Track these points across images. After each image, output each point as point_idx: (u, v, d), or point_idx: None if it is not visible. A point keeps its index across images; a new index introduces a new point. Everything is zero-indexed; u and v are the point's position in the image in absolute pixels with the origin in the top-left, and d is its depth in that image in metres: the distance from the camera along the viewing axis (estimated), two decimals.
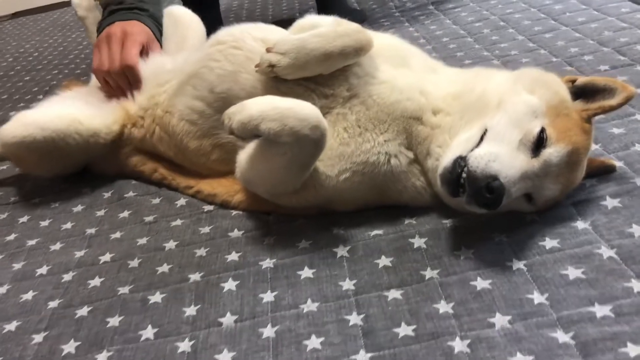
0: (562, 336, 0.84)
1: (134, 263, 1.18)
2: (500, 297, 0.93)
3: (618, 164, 1.17)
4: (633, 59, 1.57)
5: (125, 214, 1.37)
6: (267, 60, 1.13)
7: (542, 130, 1.01)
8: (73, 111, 1.41)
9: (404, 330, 0.91)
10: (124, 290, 1.11)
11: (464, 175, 0.98)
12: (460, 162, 0.99)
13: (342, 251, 1.10)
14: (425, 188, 1.14)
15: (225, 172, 1.29)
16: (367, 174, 1.12)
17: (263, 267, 1.10)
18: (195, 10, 1.75)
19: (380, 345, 0.89)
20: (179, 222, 1.29)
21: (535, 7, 2.10)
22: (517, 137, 1.01)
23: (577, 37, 1.78)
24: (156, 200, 1.39)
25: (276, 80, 1.16)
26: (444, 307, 0.93)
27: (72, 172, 1.53)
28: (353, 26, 1.14)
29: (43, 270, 1.21)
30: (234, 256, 1.14)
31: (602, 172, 1.14)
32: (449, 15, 2.23)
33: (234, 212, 1.29)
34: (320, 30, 1.12)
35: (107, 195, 1.47)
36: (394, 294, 0.98)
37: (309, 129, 1.02)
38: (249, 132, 1.06)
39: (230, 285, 1.07)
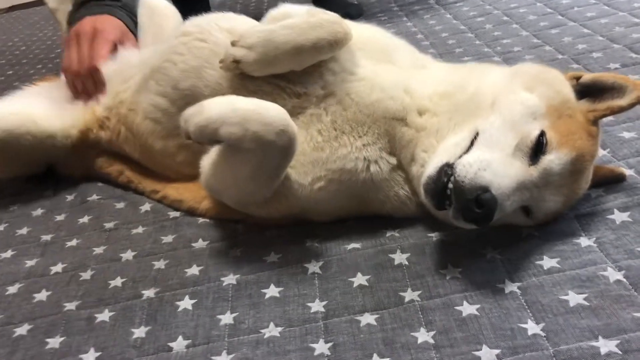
0: None
1: (86, 275, 1.07)
2: (488, 326, 0.80)
3: (628, 172, 1.04)
4: None
5: (86, 219, 1.25)
6: (231, 55, 1.00)
7: (542, 134, 0.88)
8: (30, 109, 1.29)
9: None
10: (70, 306, 0.99)
11: (450, 185, 0.85)
12: (446, 170, 0.87)
13: (314, 267, 0.98)
14: (409, 197, 1.02)
15: (193, 175, 1.16)
16: (344, 182, 1.00)
17: (225, 283, 0.98)
18: (184, 3, 1.62)
19: None
20: (140, 229, 1.17)
21: (542, 2, 1.97)
22: (512, 141, 0.88)
23: (585, 33, 1.65)
24: (120, 205, 1.28)
25: (243, 78, 1.04)
26: (423, 336, 0.81)
27: (33, 172, 1.41)
28: (328, 16, 1.01)
29: None
30: (194, 270, 1.02)
31: (610, 182, 1.02)
32: (450, 10, 2.11)
33: (201, 220, 1.17)
34: (291, 21, 1.00)
35: (69, 198, 1.35)
36: (367, 318, 0.86)
37: (275, 134, 0.90)
38: (207, 136, 0.94)
39: (186, 303, 0.95)
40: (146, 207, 1.25)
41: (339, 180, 1.00)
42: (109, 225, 1.21)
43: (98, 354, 0.89)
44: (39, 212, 1.32)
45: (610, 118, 1.21)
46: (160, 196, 1.24)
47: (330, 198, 1.01)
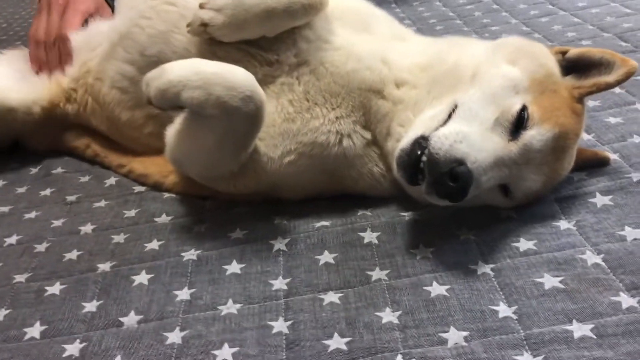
0: None
1: (41, 247, 1.01)
2: (457, 307, 0.75)
3: (613, 156, 0.99)
4: (636, 45, 1.40)
5: (48, 191, 1.19)
6: (199, 18, 0.94)
7: (523, 109, 0.83)
8: None
9: (336, 342, 0.73)
10: (20, 278, 0.94)
11: (424, 158, 0.80)
12: (421, 142, 0.82)
13: (279, 244, 0.93)
14: (384, 175, 0.97)
15: (161, 149, 1.10)
16: (315, 156, 0.95)
17: (185, 258, 0.93)
18: None
19: None
20: (103, 203, 1.12)
21: None
22: (492, 115, 0.83)
23: (575, 22, 1.61)
24: (85, 179, 1.22)
25: (212, 43, 0.98)
26: (388, 316, 0.76)
27: None
28: None
29: None
30: (154, 245, 0.97)
31: (593, 165, 0.97)
32: None
33: (167, 195, 1.11)
34: None
35: (34, 171, 1.29)
36: (331, 297, 0.81)
37: (240, 100, 0.84)
38: (168, 101, 0.89)
39: (142, 278, 0.90)
40: (111, 181, 1.19)
41: (309, 155, 0.94)
42: (71, 198, 1.15)
43: (44, 327, 0.83)
44: (0, 184, 1.26)
45: (596, 102, 1.17)
46: (126, 170, 1.18)
47: (300, 173, 0.96)
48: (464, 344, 0.70)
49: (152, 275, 0.90)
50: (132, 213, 1.07)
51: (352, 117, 0.95)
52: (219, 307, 0.82)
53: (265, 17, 0.93)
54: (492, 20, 1.75)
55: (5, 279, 0.94)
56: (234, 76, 0.85)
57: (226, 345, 0.75)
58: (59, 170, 1.27)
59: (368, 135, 0.96)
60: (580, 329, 0.69)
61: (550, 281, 0.77)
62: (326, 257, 0.88)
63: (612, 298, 0.73)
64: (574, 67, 0.91)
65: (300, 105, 0.95)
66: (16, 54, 1.41)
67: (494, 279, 0.79)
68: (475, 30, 1.69)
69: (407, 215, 0.94)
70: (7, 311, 0.87)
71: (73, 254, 0.98)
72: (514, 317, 0.73)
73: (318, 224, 0.96)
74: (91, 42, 1.23)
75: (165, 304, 0.84)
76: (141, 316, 0.83)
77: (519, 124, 0.83)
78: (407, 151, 0.82)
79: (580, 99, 0.88)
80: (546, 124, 0.83)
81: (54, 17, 1.32)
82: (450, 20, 1.82)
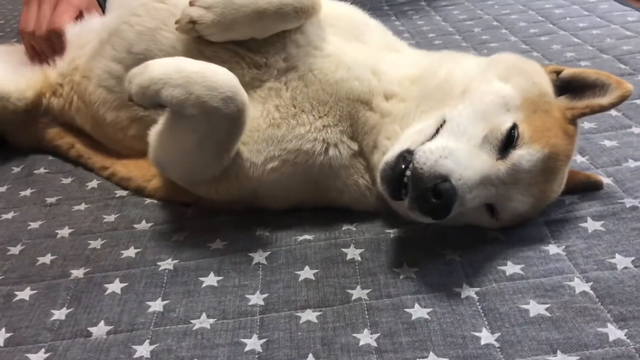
0: None
1: (15, 250, 0.98)
2: (438, 332, 0.72)
3: (606, 180, 0.97)
4: (635, 68, 1.38)
5: (28, 192, 1.16)
6: (187, 15, 0.92)
7: (514, 127, 0.81)
8: None
9: None
10: None
11: (408, 172, 0.78)
12: (406, 156, 0.79)
13: (259, 257, 0.90)
14: (369, 188, 0.94)
15: (145, 152, 1.08)
16: (299, 164, 0.92)
17: (161, 268, 0.89)
18: None
19: None
20: (82, 206, 1.09)
21: (534, 10, 1.91)
22: (481, 132, 0.81)
23: (575, 42, 1.59)
24: (67, 180, 1.19)
25: (200, 42, 0.96)
26: (366, 338, 0.73)
27: None
28: None
29: None
30: (131, 252, 0.94)
31: (586, 188, 0.95)
32: (440, 12, 2.04)
33: (148, 201, 1.08)
34: None
35: (16, 170, 1.26)
36: (308, 315, 0.78)
37: (221, 101, 0.82)
38: (149, 99, 0.86)
39: (115, 287, 0.87)
40: (93, 183, 1.16)
41: (294, 162, 0.92)
42: (50, 200, 1.12)
43: (9, 334, 0.80)
44: None
45: (592, 125, 1.14)
46: (109, 173, 1.16)
47: (283, 181, 0.93)
48: None
49: (126, 284, 0.87)
50: (111, 218, 1.04)
51: (340, 126, 0.93)
52: (192, 321, 0.79)
53: (255, 17, 0.91)
54: (491, 36, 1.73)
55: None
56: (216, 76, 0.83)
57: None
58: (42, 170, 1.24)
59: (355, 146, 0.94)
60: None
61: (535, 308, 0.74)
62: (306, 273, 0.85)
63: (599, 329, 0.70)
64: (568, 87, 0.88)
65: (287, 111, 0.92)
66: (10, 49, 1.39)
67: (478, 304, 0.76)
68: (473, 46, 1.67)
69: (392, 232, 0.92)
70: None
71: (47, 258, 0.95)
72: (497, 344, 0.70)
73: (301, 238, 0.93)
74: (81, 39, 1.20)
75: (136, 315, 0.81)
76: (111, 327, 0.79)
77: (508, 142, 0.80)
78: (391, 165, 0.80)
79: (573, 120, 0.85)
80: (536, 144, 0.80)
81: (45, 9, 1.30)
82: (450, 35, 1.80)
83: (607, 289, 0.75)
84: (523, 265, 0.81)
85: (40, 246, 0.98)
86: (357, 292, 0.81)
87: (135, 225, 1.01)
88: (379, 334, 0.73)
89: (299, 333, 0.75)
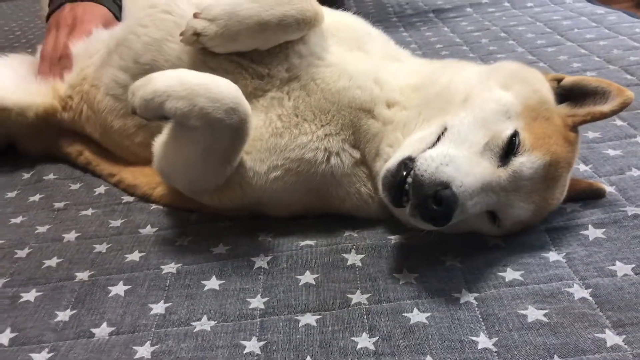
0: None
1: (22, 253, 1.00)
2: (436, 336, 0.73)
3: (609, 189, 0.97)
4: None
5: (37, 197, 1.18)
6: (192, 27, 0.93)
7: (515, 134, 0.81)
8: None
9: None
10: None
11: (409, 180, 0.78)
12: (407, 163, 0.80)
13: (261, 261, 0.90)
14: (371, 196, 0.95)
15: (151, 159, 1.09)
16: (302, 173, 0.93)
17: (164, 272, 0.91)
18: None
19: None
20: (89, 212, 1.10)
21: (542, 22, 1.91)
22: (482, 140, 0.81)
23: (582, 53, 1.59)
24: (75, 186, 1.21)
25: (204, 53, 0.97)
26: (364, 341, 0.73)
27: None
28: None
29: None
30: (135, 256, 0.95)
31: (588, 197, 0.95)
32: (448, 24, 2.05)
33: (154, 207, 1.10)
34: None
35: (26, 176, 1.28)
36: (308, 318, 0.78)
37: (224, 112, 0.83)
38: (152, 111, 0.87)
39: (119, 289, 0.88)
40: (101, 189, 1.18)
41: (296, 171, 0.93)
42: (58, 205, 1.14)
43: (14, 334, 0.81)
44: None
45: (596, 134, 1.14)
46: (116, 180, 1.17)
47: (286, 190, 0.94)
48: None
49: (130, 286, 0.88)
50: (117, 223, 1.06)
51: (342, 135, 0.94)
52: (193, 323, 0.80)
53: (258, 29, 0.92)
54: (498, 47, 1.73)
55: None
56: (218, 87, 0.84)
57: None
58: (51, 176, 1.26)
59: (357, 155, 0.95)
60: None
61: (534, 314, 0.74)
62: (307, 278, 0.86)
63: (597, 335, 0.70)
64: (569, 95, 0.89)
65: (289, 120, 0.94)
66: (22, 58, 1.41)
67: (476, 309, 0.77)
68: (480, 57, 1.68)
69: (393, 238, 0.92)
70: None
71: (53, 262, 0.96)
72: (494, 349, 0.70)
73: (302, 243, 0.93)
74: (90, 49, 1.23)
75: (139, 316, 0.82)
76: (113, 328, 0.81)
77: (509, 149, 0.81)
78: (392, 172, 0.80)
79: (574, 128, 0.86)
80: (537, 151, 0.81)
81: (61, 36, 1.33)
82: (457, 46, 1.80)
83: (606, 296, 0.75)
84: (523, 272, 0.82)
85: (47, 250, 1.00)
86: (357, 297, 0.81)
87: (140, 230, 1.03)
88: (377, 338, 0.74)
89: (298, 336, 0.76)
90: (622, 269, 0.80)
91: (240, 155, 0.91)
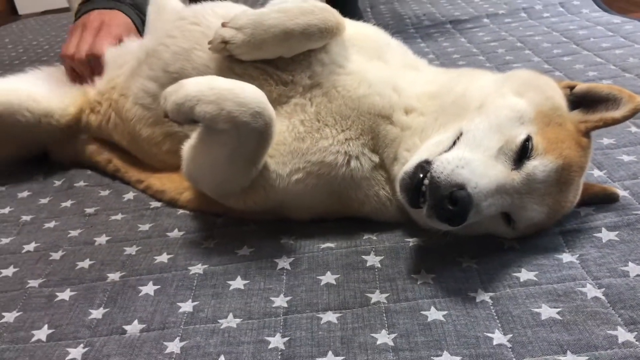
0: None
1: (56, 255, 1.05)
2: (452, 333, 0.76)
3: (622, 193, 0.99)
4: None
5: (68, 203, 1.24)
6: (220, 36, 0.98)
7: (528, 139, 0.84)
8: (30, 88, 1.30)
9: None
10: (33, 283, 0.97)
11: (426, 182, 0.82)
12: (424, 166, 0.83)
13: (284, 263, 0.94)
14: (390, 199, 0.98)
15: (178, 166, 1.14)
16: (322, 176, 0.97)
17: (191, 272, 0.95)
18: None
19: None
20: (119, 216, 1.15)
21: (558, 32, 1.94)
22: (497, 144, 0.85)
23: (598, 62, 1.61)
24: (105, 192, 1.26)
25: (231, 61, 1.02)
26: (383, 337, 0.77)
27: (26, 155, 1.41)
28: (321, 4, 0.99)
29: None
30: (163, 257, 1.00)
31: (601, 200, 0.97)
32: (465, 34, 2.09)
33: (180, 212, 1.14)
34: (283, 5, 0.98)
35: (57, 183, 1.34)
36: (329, 316, 0.82)
37: (250, 116, 0.87)
38: (183, 115, 0.92)
39: (149, 289, 0.92)
40: (129, 195, 1.23)
41: (317, 174, 0.97)
42: (89, 210, 1.19)
43: (51, 331, 0.86)
44: (25, 194, 1.31)
45: (611, 140, 1.17)
46: (144, 186, 1.22)
47: (308, 192, 0.98)
48: None
49: (159, 286, 0.92)
50: (146, 227, 1.10)
51: (361, 139, 0.97)
52: (220, 321, 0.84)
53: (283, 38, 0.97)
54: (514, 57, 1.76)
55: (19, 283, 0.98)
56: (245, 93, 0.88)
57: (222, 357, 0.77)
58: (81, 183, 1.32)
59: (376, 159, 0.98)
60: None
61: (547, 312, 0.77)
62: (328, 278, 0.89)
63: (609, 332, 0.72)
64: (582, 101, 0.91)
65: (311, 125, 0.98)
66: (53, 70, 1.48)
67: (492, 307, 0.79)
68: (497, 66, 1.70)
69: (411, 241, 0.95)
70: (18, 313, 0.90)
71: (85, 263, 1.01)
72: (508, 345, 0.73)
73: (323, 245, 0.97)
74: (119, 59, 1.29)
75: (168, 314, 0.86)
76: (144, 325, 0.85)
77: (523, 153, 0.84)
78: (410, 174, 0.84)
79: (586, 133, 0.88)
80: (550, 155, 0.83)
81: (87, 36, 1.39)
82: (474, 56, 1.84)
83: (618, 295, 0.78)
84: (537, 272, 0.84)
85: (80, 252, 1.05)
86: (376, 296, 0.84)
87: (168, 234, 1.07)
88: (395, 334, 0.77)
89: (320, 332, 0.79)
90: (634, 269, 0.82)
91: (265, 158, 0.95)
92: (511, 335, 0.74)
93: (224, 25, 0.99)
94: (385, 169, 0.98)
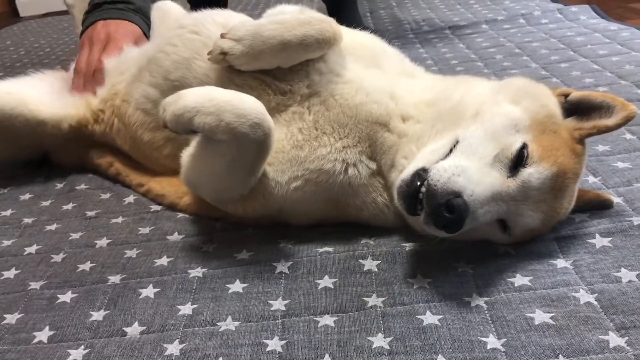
0: None
1: (58, 258, 1.06)
2: (447, 336, 0.77)
3: (616, 199, 1.00)
4: None
5: (70, 206, 1.25)
6: (219, 47, 1.00)
7: (524, 147, 0.86)
8: (27, 93, 1.29)
9: None
10: (35, 285, 0.98)
11: (423, 189, 0.83)
12: (421, 174, 0.85)
13: (282, 267, 0.96)
14: (387, 205, 1.00)
15: (178, 170, 1.16)
16: (321, 183, 0.98)
17: (191, 275, 0.96)
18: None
19: None
20: (120, 219, 1.17)
21: (556, 38, 1.96)
22: (492, 152, 0.86)
23: (594, 69, 1.63)
24: (105, 196, 1.27)
25: (230, 71, 1.04)
26: (379, 341, 0.78)
27: (28, 158, 1.42)
28: (318, 15, 1.01)
29: None
30: (163, 261, 1.01)
31: (596, 207, 0.98)
32: (464, 40, 2.10)
33: (180, 215, 1.16)
34: (281, 17, 1.00)
35: (59, 186, 1.35)
36: (326, 320, 0.83)
37: (249, 127, 0.89)
38: (182, 125, 0.93)
39: (149, 291, 0.93)
40: (130, 199, 1.25)
41: (315, 181, 0.98)
42: (90, 213, 1.21)
43: (52, 332, 0.87)
44: (26, 196, 1.32)
45: (606, 147, 1.18)
46: (145, 190, 1.24)
47: (306, 199, 0.99)
48: None
49: (159, 289, 0.94)
50: (146, 230, 1.12)
51: (359, 147, 0.99)
52: (218, 323, 0.85)
53: (280, 49, 0.98)
54: (512, 63, 1.78)
55: (21, 285, 0.99)
56: (244, 104, 0.90)
57: (221, 359, 0.78)
58: (83, 186, 1.33)
59: (373, 166, 0.99)
60: None
61: (541, 317, 0.78)
62: (326, 282, 0.91)
63: (601, 337, 0.74)
64: (576, 109, 0.93)
65: (309, 133, 0.99)
66: (56, 74, 1.49)
67: (486, 312, 0.81)
68: (495, 72, 1.72)
69: (408, 246, 0.97)
70: (20, 315, 0.92)
71: (86, 266, 1.02)
72: (502, 349, 0.74)
73: (321, 249, 0.98)
74: (121, 66, 1.30)
75: (168, 317, 0.87)
76: (144, 327, 0.86)
77: (518, 161, 0.85)
78: (407, 182, 0.85)
79: (580, 140, 0.90)
80: (545, 163, 0.85)
81: (95, 51, 1.40)
82: (472, 62, 1.85)
83: (610, 300, 0.79)
84: (531, 278, 0.86)
85: (81, 255, 1.06)
86: (373, 300, 0.86)
87: (168, 237, 1.08)
88: (391, 338, 0.78)
89: (317, 335, 0.80)
90: (626, 275, 0.83)
91: (264, 166, 0.97)
92: (505, 339, 0.75)
93: (222, 36, 1.01)
94: (383, 176, 0.99)
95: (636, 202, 0.99)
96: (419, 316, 0.81)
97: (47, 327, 0.88)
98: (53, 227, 1.17)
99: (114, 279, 0.98)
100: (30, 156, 1.42)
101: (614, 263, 0.86)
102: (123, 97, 1.24)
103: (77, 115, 1.30)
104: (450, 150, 0.88)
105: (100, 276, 0.99)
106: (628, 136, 1.21)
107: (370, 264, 0.93)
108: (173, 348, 0.81)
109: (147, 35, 1.53)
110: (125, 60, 1.31)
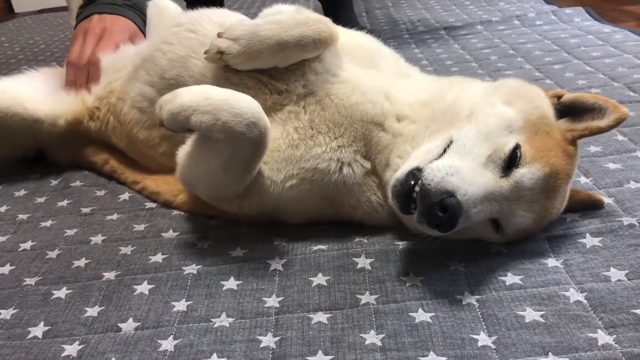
0: None
1: (53, 254, 1.06)
2: (439, 334, 0.78)
3: (607, 200, 1.02)
4: None
5: (65, 202, 1.25)
6: (216, 46, 1.00)
7: (517, 147, 0.87)
8: (22, 91, 1.30)
9: (320, 359, 0.76)
10: (30, 281, 0.99)
11: (417, 188, 0.84)
12: (415, 173, 0.86)
13: (276, 264, 0.96)
14: (381, 204, 1.00)
15: (173, 167, 1.16)
16: (316, 182, 0.99)
17: (185, 272, 0.97)
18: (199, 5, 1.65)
19: None
20: (115, 216, 1.17)
21: (550, 39, 1.97)
22: (485, 152, 0.87)
23: (587, 71, 1.64)
24: (100, 193, 1.28)
25: (227, 70, 1.04)
26: (372, 338, 0.79)
27: (24, 155, 1.42)
28: (314, 15, 1.01)
29: None
30: (158, 257, 1.01)
31: (587, 207, 1.00)
32: (459, 41, 2.12)
33: (175, 213, 1.16)
34: (278, 17, 1.01)
35: (54, 182, 1.36)
36: (320, 317, 0.84)
37: (245, 126, 0.90)
38: (179, 124, 0.94)
39: (143, 288, 0.94)
40: (125, 196, 1.25)
41: (310, 180, 0.99)
42: (85, 210, 1.21)
43: (47, 328, 0.88)
44: (21, 193, 1.32)
45: (598, 148, 1.19)
46: (140, 187, 1.24)
47: (301, 198, 1.00)
48: None
49: (153, 285, 0.94)
50: (141, 227, 1.12)
51: (354, 146, 0.99)
52: (213, 320, 0.86)
53: (277, 48, 0.99)
54: (506, 64, 1.79)
55: (16, 281, 0.99)
56: (240, 103, 0.90)
57: (215, 355, 0.79)
58: (78, 183, 1.33)
59: (368, 165, 1.00)
60: None
61: (531, 315, 0.79)
62: (319, 279, 0.92)
63: (590, 334, 0.75)
64: (568, 110, 0.94)
65: (305, 132, 1.00)
66: (50, 71, 1.49)
67: (478, 310, 0.82)
68: (489, 73, 1.73)
69: (401, 244, 0.98)
70: (15, 311, 0.92)
71: (81, 262, 1.03)
72: (493, 346, 0.75)
73: (315, 247, 0.99)
74: (117, 64, 1.30)
75: (162, 313, 0.88)
76: (139, 323, 0.87)
77: (511, 161, 0.86)
78: (401, 181, 0.86)
79: (573, 141, 0.91)
80: (537, 163, 0.86)
81: (88, 43, 1.41)
82: (466, 62, 1.87)
83: (600, 299, 0.80)
84: (522, 276, 0.87)
85: (76, 251, 1.07)
86: (366, 298, 0.86)
87: (163, 234, 1.09)
88: (384, 335, 0.79)
89: (310, 332, 0.81)
90: (616, 274, 0.84)
91: (259, 165, 0.97)
92: (496, 337, 0.76)
93: (219, 35, 1.01)
94: (377, 175, 1.00)
95: (627, 203, 1.00)
96: (411, 314, 0.82)
97: (42, 323, 0.89)
98: (48, 223, 1.18)
99: (109, 275, 0.98)
100: (25, 154, 1.42)
101: (603, 262, 0.87)
102: (119, 95, 1.25)
103: (73, 112, 1.31)
104: (445, 150, 0.89)
105: (95, 272, 1.00)
106: (620, 138, 1.22)
107: (363, 262, 0.94)
108: (167, 344, 0.82)
109: (142, 32, 1.53)
110: (121, 58, 1.31)
